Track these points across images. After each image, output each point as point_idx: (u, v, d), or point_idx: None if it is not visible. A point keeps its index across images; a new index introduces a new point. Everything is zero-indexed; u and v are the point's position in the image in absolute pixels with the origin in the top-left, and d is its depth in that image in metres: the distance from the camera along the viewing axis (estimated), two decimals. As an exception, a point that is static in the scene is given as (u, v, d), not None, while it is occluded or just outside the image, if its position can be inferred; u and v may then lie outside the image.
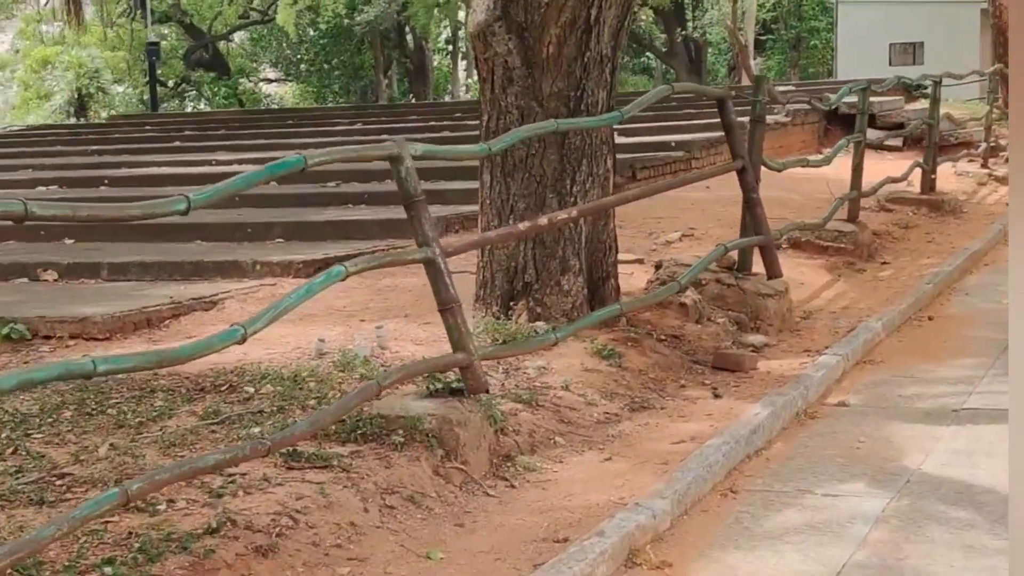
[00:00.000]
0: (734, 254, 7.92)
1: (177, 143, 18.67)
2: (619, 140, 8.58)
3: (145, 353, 4.70)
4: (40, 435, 5.00)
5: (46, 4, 36.16)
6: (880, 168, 12.71)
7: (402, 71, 43.62)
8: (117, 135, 21.07)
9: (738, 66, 32.33)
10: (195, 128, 21.26)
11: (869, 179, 11.04)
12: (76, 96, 33.01)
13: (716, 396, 6.27)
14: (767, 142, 8.84)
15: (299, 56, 43.88)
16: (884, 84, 12.98)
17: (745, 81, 25.11)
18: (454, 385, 5.25)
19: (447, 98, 42.67)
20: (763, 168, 8.24)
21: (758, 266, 8.00)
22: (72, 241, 10.63)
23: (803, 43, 44.63)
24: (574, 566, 3.95)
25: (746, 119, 8.19)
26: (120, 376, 5.49)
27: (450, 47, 45.21)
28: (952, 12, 37.51)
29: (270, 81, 48.11)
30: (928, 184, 13.05)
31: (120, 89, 39.38)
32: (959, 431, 5.74)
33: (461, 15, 35.24)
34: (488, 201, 6.96)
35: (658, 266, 8.02)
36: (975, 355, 7.15)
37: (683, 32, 41.17)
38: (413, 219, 5.20)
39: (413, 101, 38.49)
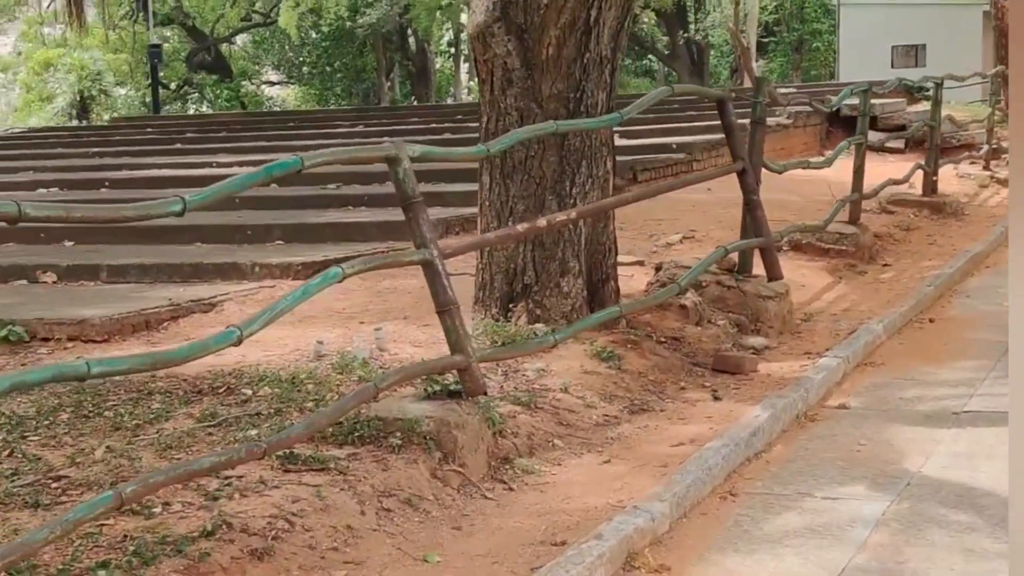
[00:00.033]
0: (735, 256, 7.90)
1: (178, 145, 18.68)
2: (620, 142, 8.58)
3: (140, 355, 4.68)
4: (36, 437, 4.99)
5: (48, 6, 36.22)
6: (882, 170, 12.68)
7: (404, 74, 43.62)
8: (118, 137, 21.08)
9: (740, 68, 32.32)
10: (196, 130, 21.25)
11: (870, 181, 11.02)
12: (78, 98, 32.96)
13: (716, 398, 6.25)
14: (768, 144, 8.82)
15: (301, 59, 43.90)
16: (886, 86, 12.96)
17: (747, 83, 25.08)
18: (452, 387, 5.22)
19: (449, 100, 42.68)
20: (764, 170, 8.22)
21: (759, 268, 7.99)
22: (71, 243, 10.62)
23: (805, 45, 44.62)
24: (572, 569, 3.93)
25: (747, 121, 8.18)
26: (117, 378, 5.49)
27: (452, 49, 45.22)
28: (954, 14, 37.54)
29: (272, 84, 48.15)
30: (930, 186, 13.03)
31: (122, 91, 39.35)
32: (960, 434, 5.72)
33: (463, 17, 35.22)
34: (487, 203, 6.94)
35: (658, 268, 8.00)
36: (976, 357, 7.14)
37: (685, 34, 41.13)
38: (411, 220, 5.19)
39: (415, 103, 38.49)
